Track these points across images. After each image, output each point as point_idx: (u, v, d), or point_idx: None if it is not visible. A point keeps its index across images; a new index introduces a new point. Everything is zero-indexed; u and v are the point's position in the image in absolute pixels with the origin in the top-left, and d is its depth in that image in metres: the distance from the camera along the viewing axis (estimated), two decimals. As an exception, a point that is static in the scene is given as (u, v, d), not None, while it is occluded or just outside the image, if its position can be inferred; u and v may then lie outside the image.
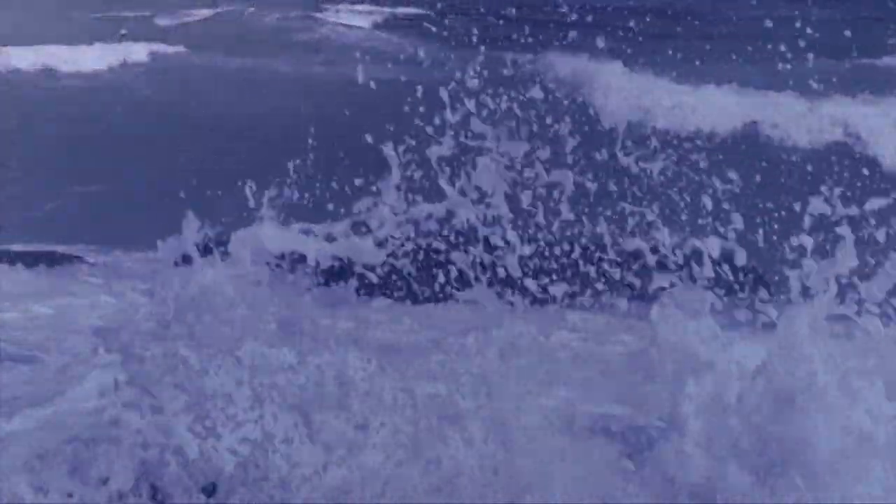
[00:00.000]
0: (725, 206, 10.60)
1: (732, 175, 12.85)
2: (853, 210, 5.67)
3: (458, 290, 6.97)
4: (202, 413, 4.68)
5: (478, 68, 6.39)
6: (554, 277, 7.29)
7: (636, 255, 7.99)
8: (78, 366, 7.70)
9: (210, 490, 4.47)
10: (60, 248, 11.28)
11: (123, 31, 25.54)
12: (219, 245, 5.88)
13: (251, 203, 5.71)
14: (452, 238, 7.39)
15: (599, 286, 7.53)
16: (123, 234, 12.10)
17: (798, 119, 17.26)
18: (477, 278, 6.28)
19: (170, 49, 22.20)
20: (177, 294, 5.14)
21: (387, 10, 28.78)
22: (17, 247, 11.27)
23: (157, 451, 4.55)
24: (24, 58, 20.97)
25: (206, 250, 5.53)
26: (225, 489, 4.47)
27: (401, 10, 28.75)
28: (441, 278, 6.60)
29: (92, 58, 21.17)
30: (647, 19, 25.83)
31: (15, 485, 4.37)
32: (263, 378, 4.88)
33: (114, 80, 20.19)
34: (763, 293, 6.05)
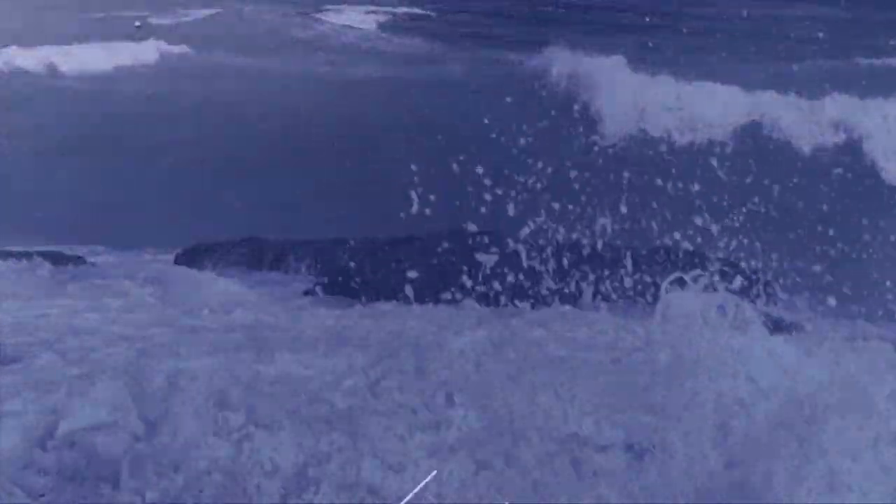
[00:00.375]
0: (726, 204, 10.54)
1: (734, 173, 12.75)
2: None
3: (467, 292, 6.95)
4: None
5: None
6: (559, 279, 7.26)
7: (638, 255, 7.96)
8: (76, 367, 7.68)
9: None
10: (62, 249, 11.27)
11: (138, 24, 25.69)
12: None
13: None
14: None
15: (603, 287, 7.50)
16: (125, 235, 12.11)
17: (799, 118, 17.25)
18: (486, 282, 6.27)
19: (171, 49, 22.18)
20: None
21: (387, 9, 28.76)
22: (19, 247, 11.28)
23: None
24: (28, 57, 21.04)
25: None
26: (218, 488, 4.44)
27: (401, 11, 28.73)
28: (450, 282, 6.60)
29: (94, 58, 21.17)
30: (648, 19, 25.84)
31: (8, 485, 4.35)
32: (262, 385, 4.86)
33: (116, 80, 20.19)
34: (765, 294, 6.01)
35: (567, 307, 7.71)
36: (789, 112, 17.57)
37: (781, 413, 3.98)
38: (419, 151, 15.26)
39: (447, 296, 7.15)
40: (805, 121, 17.25)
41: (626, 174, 10.35)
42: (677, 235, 7.66)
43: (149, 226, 12.43)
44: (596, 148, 13.74)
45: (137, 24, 25.70)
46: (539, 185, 9.20)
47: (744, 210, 9.49)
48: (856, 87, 18.57)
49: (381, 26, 26.88)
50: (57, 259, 10.82)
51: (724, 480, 3.91)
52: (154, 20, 26.16)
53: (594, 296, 7.56)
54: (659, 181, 10.46)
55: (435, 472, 4.18)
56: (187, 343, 7.58)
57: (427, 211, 7.43)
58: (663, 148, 14.12)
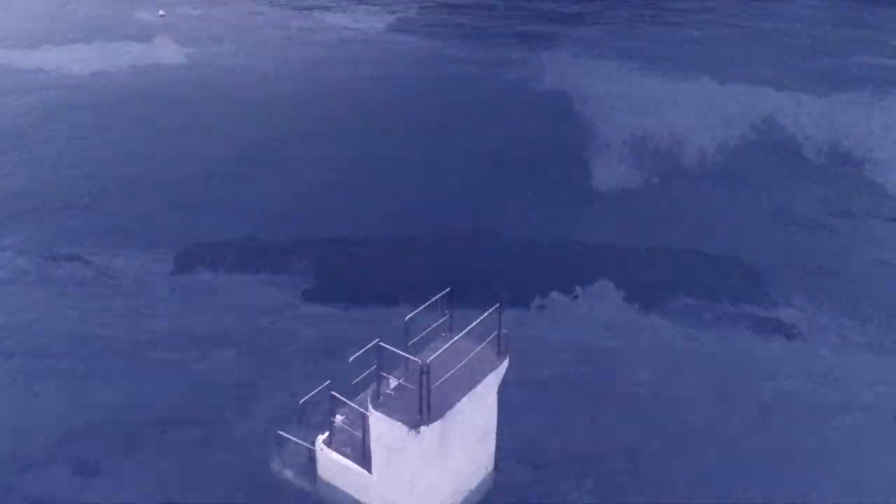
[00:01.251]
0: (727, 204, 10.47)
1: (735, 171, 12.67)
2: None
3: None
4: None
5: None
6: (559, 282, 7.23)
7: (637, 256, 7.95)
8: (77, 366, 7.68)
9: None
10: (63, 249, 11.28)
11: (162, 13, 25.81)
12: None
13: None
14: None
15: (604, 287, 7.49)
16: (126, 235, 12.09)
17: (801, 117, 17.26)
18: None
19: (174, 47, 22.19)
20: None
21: (389, 9, 28.79)
22: (20, 247, 11.30)
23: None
24: (28, 58, 21.17)
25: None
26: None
27: (402, 11, 28.74)
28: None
29: (96, 57, 21.21)
30: (647, 18, 25.85)
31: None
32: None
33: (119, 79, 20.20)
34: (764, 296, 6.00)
35: (564, 308, 7.69)
36: (792, 111, 17.58)
37: (773, 414, 3.97)
38: (420, 151, 15.28)
39: (446, 296, 7.14)
40: (807, 119, 17.25)
41: (626, 173, 10.26)
42: (677, 235, 7.62)
43: (149, 225, 12.42)
44: (595, 147, 13.74)
45: (161, 13, 25.94)
46: (539, 185, 9.15)
47: (744, 208, 9.41)
48: (857, 88, 18.59)
49: (383, 26, 26.89)
50: (57, 259, 10.85)
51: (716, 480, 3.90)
52: (158, 18, 26.19)
53: (593, 296, 7.54)
54: (660, 180, 10.39)
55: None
56: (185, 345, 7.58)
57: (426, 211, 7.42)
58: (664, 146, 14.11)
